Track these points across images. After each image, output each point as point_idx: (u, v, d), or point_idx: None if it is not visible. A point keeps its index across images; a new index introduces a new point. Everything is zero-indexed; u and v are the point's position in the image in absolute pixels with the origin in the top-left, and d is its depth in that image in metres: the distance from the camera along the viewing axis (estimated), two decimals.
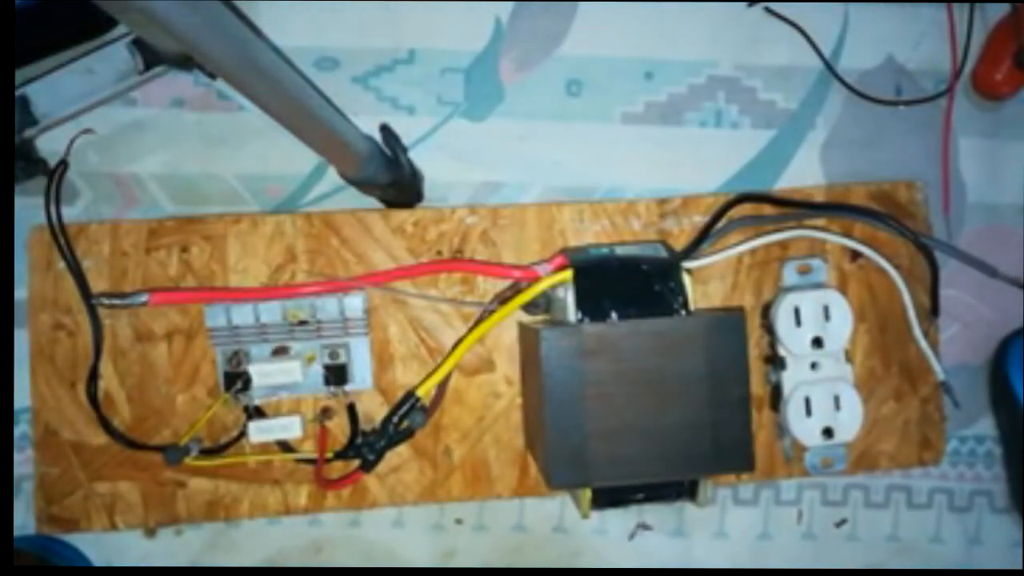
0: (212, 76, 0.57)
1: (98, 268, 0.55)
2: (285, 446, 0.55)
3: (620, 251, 0.53)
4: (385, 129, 0.57)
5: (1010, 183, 0.61)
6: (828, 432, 0.55)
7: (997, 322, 0.60)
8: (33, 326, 0.55)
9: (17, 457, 0.56)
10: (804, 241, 0.57)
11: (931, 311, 0.57)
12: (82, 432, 0.55)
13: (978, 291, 0.60)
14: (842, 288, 0.57)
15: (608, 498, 0.50)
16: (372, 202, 0.57)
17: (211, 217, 0.56)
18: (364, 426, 0.55)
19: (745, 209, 0.57)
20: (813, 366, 0.55)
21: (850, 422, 0.55)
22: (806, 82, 0.60)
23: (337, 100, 0.56)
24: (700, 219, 0.57)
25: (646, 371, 0.47)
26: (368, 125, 0.56)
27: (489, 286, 0.56)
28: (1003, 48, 0.58)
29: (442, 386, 0.56)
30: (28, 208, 0.55)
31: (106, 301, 0.52)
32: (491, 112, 0.59)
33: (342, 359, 0.55)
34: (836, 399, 0.54)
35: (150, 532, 0.57)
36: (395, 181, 0.55)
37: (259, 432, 0.54)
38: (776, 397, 0.56)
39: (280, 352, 0.55)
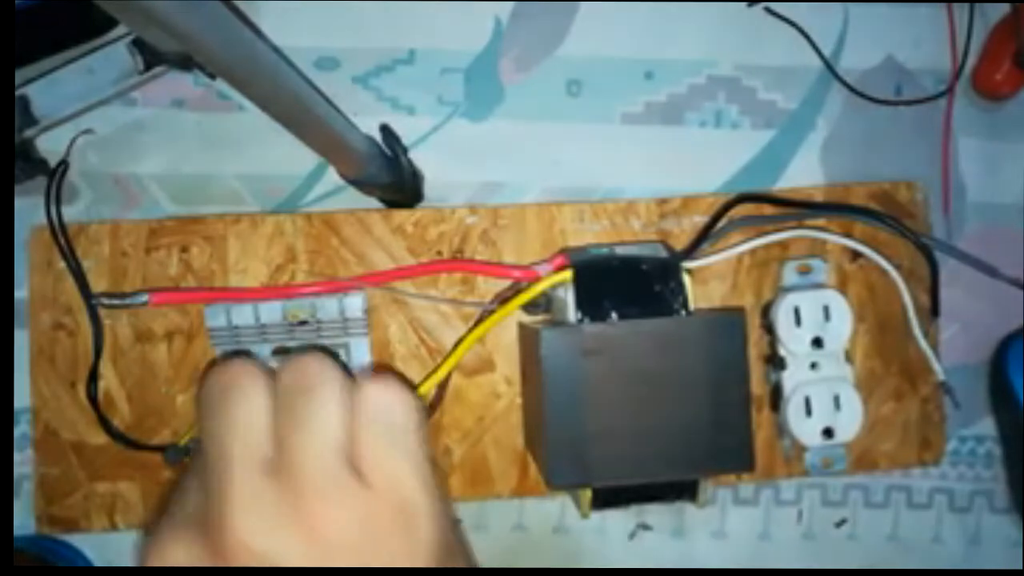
0: (212, 76, 0.57)
1: (98, 268, 0.55)
2: None
3: (620, 251, 0.52)
4: (385, 129, 0.57)
5: (1010, 183, 0.61)
6: (828, 432, 0.54)
7: (997, 322, 0.60)
8: (33, 326, 0.55)
9: (17, 457, 0.56)
10: (804, 241, 0.57)
11: (931, 311, 0.57)
12: (82, 432, 0.55)
13: (978, 291, 0.60)
14: (842, 288, 0.57)
15: (608, 498, 0.49)
16: (372, 202, 0.57)
17: (211, 217, 0.56)
18: None
19: (745, 209, 0.57)
20: (813, 366, 0.55)
21: (850, 422, 0.55)
22: (806, 82, 0.60)
23: (337, 100, 0.56)
24: (700, 219, 0.57)
25: (646, 371, 0.47)
26: (368, 125, 0.56)
27: (489, 286, 0.56)
28: (1003, 48, 0.58)
29: (442, 386, 0.56)
30: (28, 208, 0.55)
31: (106, 301, 0.52)
32: (491, 112, 0.59)
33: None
34: (836, 399, 0.54)
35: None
36: (395, 181, 0.55)
37: None
38: (776, 397, 0.56)
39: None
